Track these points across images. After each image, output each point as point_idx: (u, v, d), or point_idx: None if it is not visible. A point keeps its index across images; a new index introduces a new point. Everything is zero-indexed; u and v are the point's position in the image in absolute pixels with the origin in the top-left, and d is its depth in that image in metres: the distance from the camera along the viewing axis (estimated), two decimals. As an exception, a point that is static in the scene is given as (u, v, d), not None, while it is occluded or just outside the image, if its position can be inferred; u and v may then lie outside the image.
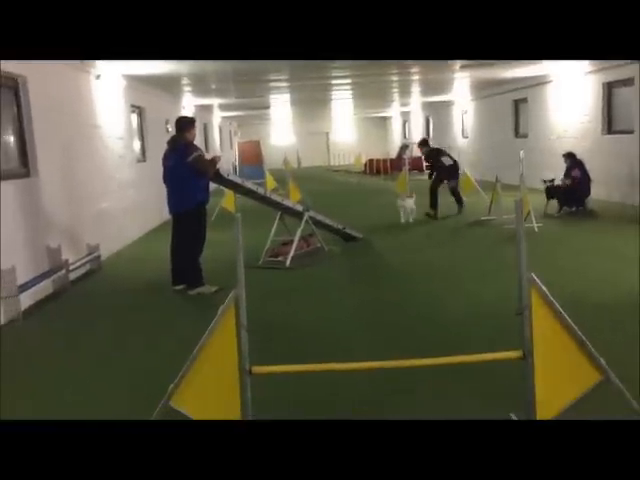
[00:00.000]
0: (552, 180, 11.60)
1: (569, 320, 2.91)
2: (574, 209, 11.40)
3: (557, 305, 2.91)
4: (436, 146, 13.69)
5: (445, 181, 12.23)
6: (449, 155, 12.49)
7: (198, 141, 16.37)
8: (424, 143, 12.96)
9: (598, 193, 11.84)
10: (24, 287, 6.01)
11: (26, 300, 6.15)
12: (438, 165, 12.22)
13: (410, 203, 11.39)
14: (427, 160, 12.98)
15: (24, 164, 6.85)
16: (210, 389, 2.96)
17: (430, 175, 12.71)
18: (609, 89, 12.96)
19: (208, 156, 7.00)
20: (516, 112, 18.21)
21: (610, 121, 13.06)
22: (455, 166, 12.37)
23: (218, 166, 6.76)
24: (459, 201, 12.33)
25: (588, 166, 11.51)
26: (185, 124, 6.71)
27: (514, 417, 3.28)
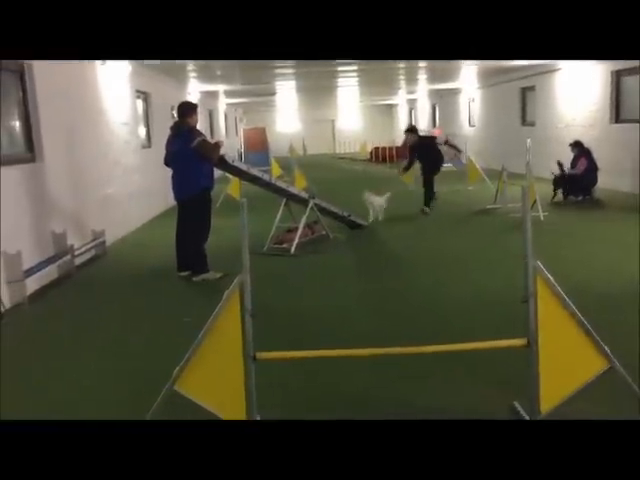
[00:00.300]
0: (562, 171, 11.53)
1: (574, 308, 2.91)
2: (580, 198, 11.36)
3: (562, 293, 2.91)
4: (426, 134, 12.36)
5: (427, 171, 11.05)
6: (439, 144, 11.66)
7: (203, 127, 16.39)
8: (413, 130, 11.50)
9: (605, 182, 11.77)
10: (30, 272, 6.03)
11: (32, 285, 6.17)
12: (430, 155, 11.00)
13: (378, 201, 10.37)
14: (412, 150, 11.30)
15: (30, 149, 6.85)
16: (214, 374, 2.98)
17: (408, 167, 11.63)
18: (618, 77, 12.85)
19: (211, 141, 6.98)
20: (523, 100, 18.09)
21: (618, 110, 12.96)
22: (442, 157, 11.56)
23: (222, 152, 6.75)
24: (430, 197, 11.04)
25: (596, 155, 11.44)
26: (187, 109, 6.69)
27: (517, 405, 3.28)
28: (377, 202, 10.30)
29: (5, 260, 5.71)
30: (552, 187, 11.50)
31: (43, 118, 6.96)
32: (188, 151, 6.35)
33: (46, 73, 7.00)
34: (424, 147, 11.09)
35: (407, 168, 11.74)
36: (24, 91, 6.77)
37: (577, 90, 14.44)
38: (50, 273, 6.71)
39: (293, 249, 7.88)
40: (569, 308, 2.90)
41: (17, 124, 6.76)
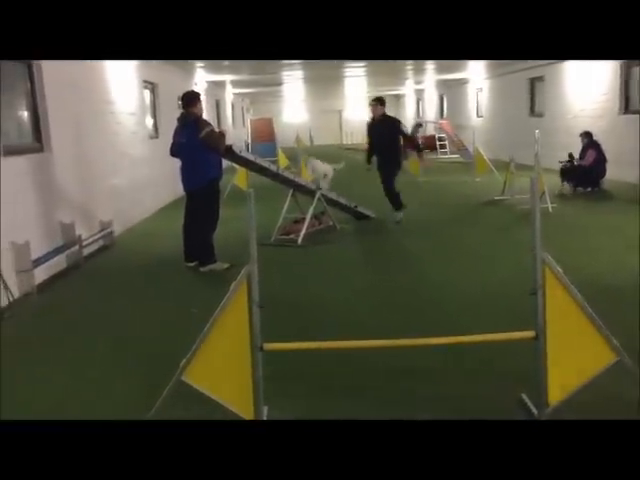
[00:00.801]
0: (569, 160, 11.48)
1: (583, 300, 2.90)
2: (589, 190, 11.31)
3: (571, 285, 2.90)
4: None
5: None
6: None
7: (210, 118, 16.36)
8: (380, 101, 8.94)
9: (613, 174, 11.70)
10: (38, 262, 6.06)
11: (40, 275, 6.19)
12: (386, 143, 8.75)
13: (323, 168, 9.04)
14: (372, 129, 9.15)
15: (38, 139, 6.86)
16: (222, 365, 2.98)
17: (369, 157, 9.17)
18: (627, 68, 12.74)
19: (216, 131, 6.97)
20: (532, 91, 17.97)
21: (627, 101, 12.85)
22: (399, 150, 9.05)
23: (230, 142, 6.74)
24: (398, 204, 8.99)
25: (604, 146, 11.38)
26: (191, 99, 6.69)
27: (525, 398, 3.28)
28: (320, 169, 9.17)
29: (14, 250, 5.73)
30: (560, 179, 11.44)
31: (51, 108, 6.97)
32: (196, 142, 6.35)
33: (54, 64, 6.99)
34: (384, 129, 8.76)
35: (369, 157, 9.21)
36: (32, 81, 6.78)
37: (586, 81, 14.32)
38: (58, 263, 6.73)
39: (300, 240, 7.88)
40: (578, 300, 2.89)
41: (25, 114, 6.77)
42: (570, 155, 11.51)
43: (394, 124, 8.88)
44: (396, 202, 9.01)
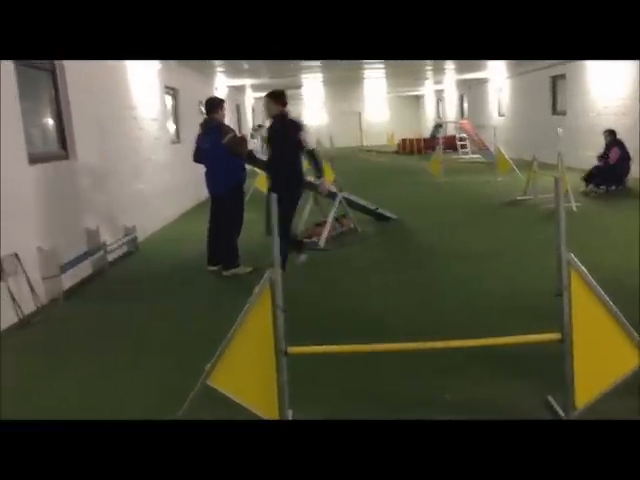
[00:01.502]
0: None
1: (609, 302, 2.86)
2: (613, 188, 11.17)
3: (597, 286, 2.87)
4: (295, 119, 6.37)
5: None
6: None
7: (231, 122, 16.45)
8: (277, 96, 6.24)
9: (637, 172, 11.52)
10: (65, 267, 6.14)
11: (67, 280, 6.28)
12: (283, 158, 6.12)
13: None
14: (270, 139, 6.43)
15: (63, 146, 6.96)
16: (246, 369, 3.00)
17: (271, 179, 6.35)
18: (652, 64, 12.56)
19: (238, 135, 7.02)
20: (554, 89, 17.78)
21: (652, 97, 12.66)
22: (300, 172, 6.35)
23: (251, 147, 6.78)
24: (297, 247, 6.78)
25: (628, 144, 11.23)
26: (214, 105, 6.76)
27: (552, 400, 3.25)
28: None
29: (41, 256, 5.82)
30: (584, 182, 11.33)
31: (75, 115, 7.06)
32: (219, 148, 6.40)
33: (77, 71, 7.09)
34: (281, 137, 6.17)
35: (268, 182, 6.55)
36: (56, 89, 6.88)
37: (609, 78, 14.13)
38: (84, 269, 6.82)
39: (322, 243, 7.89)
40: (604, 301, 2.86)
41: (50, 121, 6.88)
42: (600, 156, 11.41)
43: (293, 131, 6.13)
44: (284, 256, 5.80)
